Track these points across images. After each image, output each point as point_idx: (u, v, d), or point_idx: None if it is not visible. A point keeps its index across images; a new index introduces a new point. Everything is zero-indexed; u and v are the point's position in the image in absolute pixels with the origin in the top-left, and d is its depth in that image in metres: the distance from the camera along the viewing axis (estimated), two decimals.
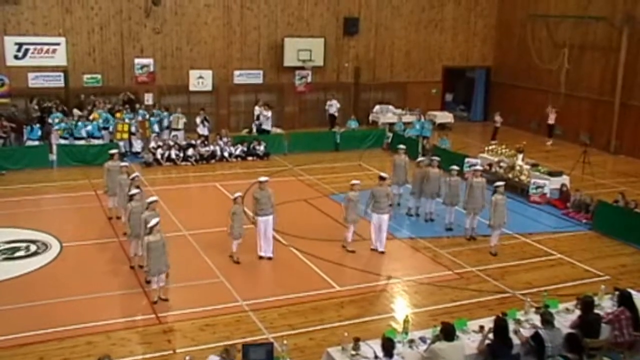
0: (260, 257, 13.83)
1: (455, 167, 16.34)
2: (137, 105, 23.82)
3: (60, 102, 23.31)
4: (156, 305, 11.72)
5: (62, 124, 21.84)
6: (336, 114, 26.97)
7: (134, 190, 13.32)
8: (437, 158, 17.29)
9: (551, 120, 26.69)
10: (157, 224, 11.60)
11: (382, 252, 14.44)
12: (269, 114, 25.28)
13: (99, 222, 16.02)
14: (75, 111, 22.70)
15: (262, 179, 13.88)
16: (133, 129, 22.54)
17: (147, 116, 23.22)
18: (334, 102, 27.16)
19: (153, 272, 11.66)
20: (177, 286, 12.61)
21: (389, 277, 13.22)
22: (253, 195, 13.78)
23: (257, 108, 25.35)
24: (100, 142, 21.95)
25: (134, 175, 14.60)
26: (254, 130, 24.99)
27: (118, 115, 22.72)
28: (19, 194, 18.14)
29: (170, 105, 24.43)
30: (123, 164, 15.79)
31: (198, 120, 23.65)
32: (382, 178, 14.57)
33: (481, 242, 15.37)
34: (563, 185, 18.90)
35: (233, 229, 13.33)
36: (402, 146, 18.35)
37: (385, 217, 14.42)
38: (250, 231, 13.97)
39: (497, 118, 26.79)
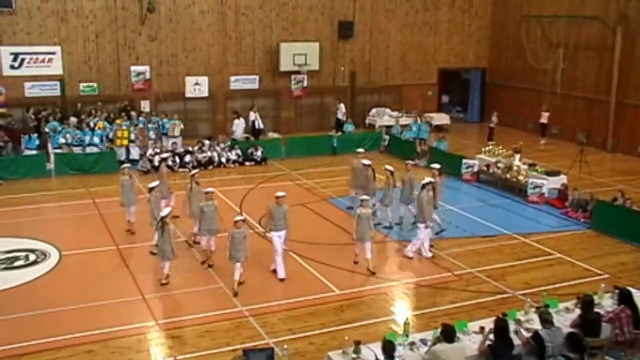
0: (274, 271, 13.32)
1: (389, 167, 16.25)
2: (133, 113, 23.81)
3: (56, 110, 23.29)
4: (156, 312, 11.73)
5: (71, 132, 21.88)
6: (343, 118, 26.94)
7: (154, 183, 14.60)
8: (411, 162, 17.20)
9: (544, 119, 26.75)
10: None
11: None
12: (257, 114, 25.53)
13: (97, 230, 16.01)
14: (72, 119, 22.65)
15: (279, 193, 13.31)
16: (133, 137, 22.57)
17: (147, 124, 23.26)
18: (341, 105, 27.18)
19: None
20: (177, 293, 12.63)
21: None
22: (268, 209, 13.27)
23: (252, 114, 25.35)
24: (97, 149, 21.98)
25: (194, 172, 15.56)
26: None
27: (117, 122, 22.79)
28: (18, 203, 18.12)
29: (168, 112, 24.43)
30: (125, 165, 16.49)
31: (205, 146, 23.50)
32: (427, 184, 14.52)
33: (479, 243, 15.40)
34: (563, 184, 18.91)
35: (230, 253, 12.50)
36: (360, 150, 18.45)
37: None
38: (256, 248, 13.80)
39: (493, 118, 26.85)
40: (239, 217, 12.78)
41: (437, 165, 16.18)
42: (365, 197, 14.19)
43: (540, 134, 26.91)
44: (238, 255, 12.44)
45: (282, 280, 13.13)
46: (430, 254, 14.52)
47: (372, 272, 13.55)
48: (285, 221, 13.21)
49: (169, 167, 21.59)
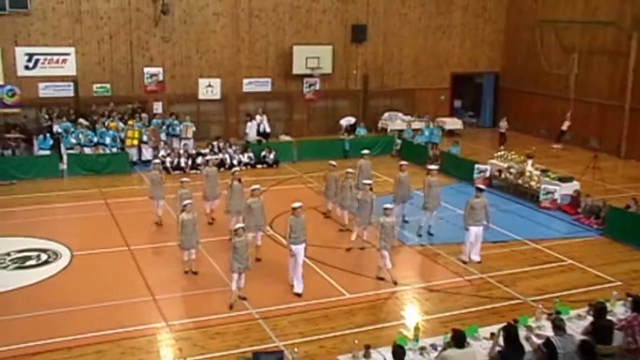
0: (296, 294, 12.70)
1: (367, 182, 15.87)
2: (145, 115, 23.88)
3: (70, 111, 23.41)
4: (167, 313, 11.75)
5: (83, 132, 22.05)
6: (352, 122, 27.26)
7: (184, 179, 15.49)
8: (405, 162, 17.24)
9: (565, 126, 26.62)
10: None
11: (479, 262, 14.46)
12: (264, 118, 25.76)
13: (109, 230, 16.08)
14: (81, 120, 22.76)
15: (296, 204, 12.80)
16: (145, 138, 22.66)
17: (160, 124, 23.36)
18: (342, 123, 27.35)
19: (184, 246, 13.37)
20: (187, 294, 12.66)
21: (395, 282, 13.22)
22: (288, 223, 12.80)
23: (258, 117, 25.39)
24: (108, 150, 22.10)
25: (234, 169, 16.59)
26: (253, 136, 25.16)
27: (130, 122, 22.92)
28: (30, 203, 18.24)
29: (180, 113, 24.51)
30: (155, 160, 17.93)
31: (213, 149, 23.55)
32: (479, 190, 14.45)
33: (491, 249, 15.30)
34: (575, 191, 18.80)
35: (232, 264, 12.08)
36: (366, 151, 18.48)
37: (481, 228, 14.30)
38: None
39: (502, 124, 26.78)
40: (239, 225, 12.49)
41: (434, 167, 16.89)
42: (389, 205, 13.79)
43: (555, 139, 26.79)
44: (243, 266, 12.11)
45: (298, 295, 12.58)
46: (478, 258, 14.51)
47: (381, 279, 13.44)
48: (303, 232, 12.80)
49: (180, 168, 21.75)
